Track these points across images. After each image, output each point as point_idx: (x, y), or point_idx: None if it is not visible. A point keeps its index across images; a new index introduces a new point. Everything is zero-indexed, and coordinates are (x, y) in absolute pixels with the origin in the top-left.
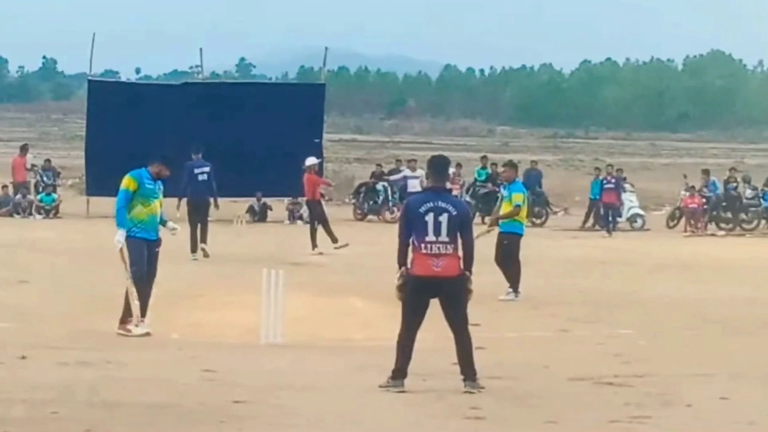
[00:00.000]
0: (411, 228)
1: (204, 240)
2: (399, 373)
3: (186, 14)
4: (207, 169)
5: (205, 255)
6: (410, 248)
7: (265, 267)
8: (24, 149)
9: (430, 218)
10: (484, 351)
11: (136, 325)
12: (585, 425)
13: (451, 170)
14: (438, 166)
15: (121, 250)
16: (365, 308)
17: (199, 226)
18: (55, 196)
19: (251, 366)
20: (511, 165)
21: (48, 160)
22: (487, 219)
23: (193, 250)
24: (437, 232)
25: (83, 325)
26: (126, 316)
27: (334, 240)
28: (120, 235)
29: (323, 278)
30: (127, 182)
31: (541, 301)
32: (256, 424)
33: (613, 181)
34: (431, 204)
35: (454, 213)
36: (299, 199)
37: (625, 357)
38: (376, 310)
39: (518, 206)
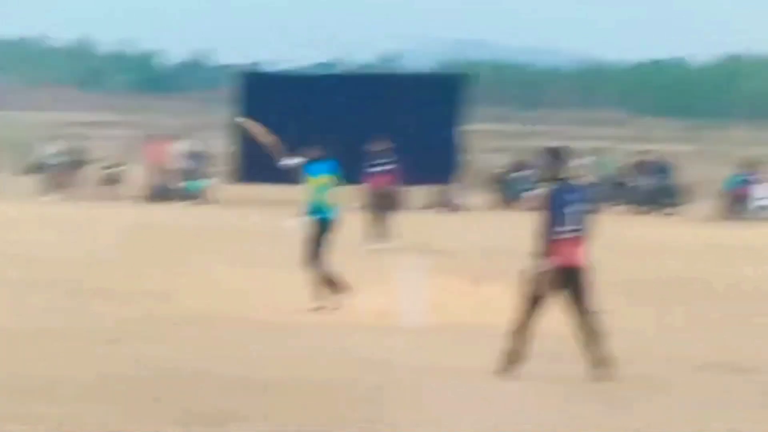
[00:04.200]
0: (551, 218)
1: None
2: (515, 357)
3: (331, 7)
4: None
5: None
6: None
7: (404, 252)
8: (173, 138)
9: (569, 209)
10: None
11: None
12: (707, 411)
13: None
14: (555, 156)
15: None
16: (503, 294)
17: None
18: (202, 182)
19: (389, 349)
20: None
21: (197, 143)
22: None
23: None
24: (575, 221)
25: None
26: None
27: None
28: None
29: (461, 264)
30: None
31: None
32: (393, 407)
33: (750, 173)
34: (570, 196)
35: (587, 205)
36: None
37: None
38: (513, 296)
39: None
